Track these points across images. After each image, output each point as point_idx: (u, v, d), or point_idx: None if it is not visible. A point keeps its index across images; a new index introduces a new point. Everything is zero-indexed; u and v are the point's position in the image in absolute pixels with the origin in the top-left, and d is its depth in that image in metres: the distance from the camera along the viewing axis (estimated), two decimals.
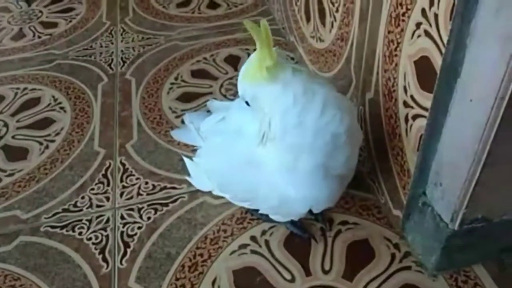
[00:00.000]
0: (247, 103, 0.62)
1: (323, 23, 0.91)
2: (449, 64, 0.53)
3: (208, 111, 0.95)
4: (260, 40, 0.55)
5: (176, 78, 1.14)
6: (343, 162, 0.63)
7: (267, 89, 0.58)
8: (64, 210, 0.84)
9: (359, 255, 0.74)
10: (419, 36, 0.57)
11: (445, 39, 0.52)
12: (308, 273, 0.72)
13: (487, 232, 0.65)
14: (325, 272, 0.72)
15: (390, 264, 0.72)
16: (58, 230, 0.80)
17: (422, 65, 0.58)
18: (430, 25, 0.54)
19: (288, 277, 0.71)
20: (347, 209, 0.81)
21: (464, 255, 0.69)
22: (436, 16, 0.52)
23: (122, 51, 1.25)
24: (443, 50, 0.53)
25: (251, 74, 0.58)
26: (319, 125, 0.58)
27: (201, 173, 0.80)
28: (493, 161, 0.54)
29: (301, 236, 0.76)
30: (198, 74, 1.15)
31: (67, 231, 0.80)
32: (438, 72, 0.54)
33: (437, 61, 0.54)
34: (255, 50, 0.59)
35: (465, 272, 0.71)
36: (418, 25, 0.56)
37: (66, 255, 0.76)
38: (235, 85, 1.08)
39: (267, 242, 0.76)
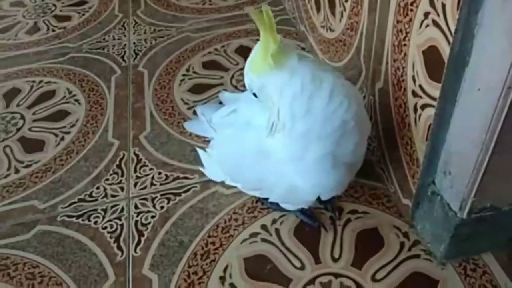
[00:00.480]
0: (254, 94, 0.63)
1: (333, 13, 0.91)
2: (457, 54, 0.53)
3: (220, 102, 0.96)
4: (262, 25, 0.55)
5: (187, 70, 1.15)
6: (351, 150, 0.63)
7: (274, 78, 0.58)
8: (80, 200, 0.86)
9: (368, 244, 0.75)
10: (427, 25, 0.57)
11: (453, 29, 0.52)
12: (317, 261, 0.73)
13: (495, 221, 0.65)
14: (335, 260, 0.73)
15: (399, 253, 0.73)
16: (74, 219, 0.83)
17: (430, 55, 0.58)
18: (438, 15, 0.54)
19: (298, 264, 0.73)
20: (356, 198, 0.81)
21: (473, 243, 0.69)
22: (443, 5, 0.52)
23: (134, 43, 1.27)
24: (451, 40, 0.53)
25: (257, 64, 0.59)
26: (327, 112, 0.58)
27: (214, 164, 0.81)
28: (501, 150, 0.54)
29: (311, 224, 0.77)
30: (209, 65, 1.16)
31: (83, 220, 0.83)
32: (446, 61, 0.54)
33: (445, 50, 0.54)
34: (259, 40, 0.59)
35: (474, 260, 0.71)
36: (426, 14, 0.56)
37: (82, 244, 0.79)
38: None
39: (277, 231, 0.77)
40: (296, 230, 0.77)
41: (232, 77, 1.11)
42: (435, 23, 0.55)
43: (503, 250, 0.71)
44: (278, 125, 0.61)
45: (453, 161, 0.62)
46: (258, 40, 0.59)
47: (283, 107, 0.60)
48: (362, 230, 0.77)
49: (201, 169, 0.86)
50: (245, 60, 1.15)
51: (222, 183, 0.84)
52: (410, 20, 0.60)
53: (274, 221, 0.79)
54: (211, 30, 1.29)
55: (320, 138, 0.60)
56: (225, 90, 1.05)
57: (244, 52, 1.18)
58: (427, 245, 0.73)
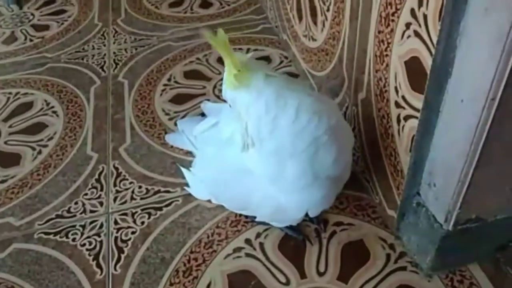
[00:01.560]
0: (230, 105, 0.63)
1: (315, 22, 0.90)
2: (439, 65, 0.52)
3: (202, 114, 0.95)
4: (219, 50, 0.55)
5: (169, 80, 1.13)
6: (330, 163, 0.62)
7: (241, 96, 0.58)
8: (58, 216, 0.83)
9: (354, 256, 0.73)
10: (408, 36, 0.56)
11: (434, 40, 0.51)
12: (303, 275, 0.71)
13: (481, 232, 0.65)
14: (320, 274, 0.71)
15: (385, 265, 0.72)
16: (51, 236, 0.80)
17: (413, 66, 0.57)
18: (420, 26, 0.53)
19: (283, 280, 0.71)
20: (341, 209, 0.80)
21: (459, 255, 0.68)
22: (425, 16, 0.52)
23: (114, 53, 1.24)
24: (433, 51, 0.52)
25: (225, 80, 0.59)
26: (295, 130, 0.58)
27: (198, 183, 0.80)
28: (485, 162, 0.53)
29: (296, 238, 0.76)
30: (191, 75, 1.14)
31: (60, 237, 0.80)
32: (428, 72, 0.54)
33: (427, 61, 0.53)
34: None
35: (460, 271, 0.70)
36: (408, 25, 0.55)
37: (60, 262, 0.76)
38: None
39: (261, 245, 0.76)
40: (281, 243, 0.76)
41: (215, 86, 1.09)
42: (417, 34, 0.54)
43: (489, 260, 0.70)
44: (248, 140, 0.61)
45: (438, 173, 0.61)
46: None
47: (250, 125, 0.60)
48: (348, 242, 0.75)
49: (186, 188, 0.83)
50: None
51: None
52: (392, 30, 0.60)
53: (258, 235, 0.77)
54: (193, 39, 1.27)
55: (293, 155, 0.60)
56: (208, 100, 1.04)
57: (200, 32, 1.17)
58: (413, 257, 0.72)
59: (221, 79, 1.09)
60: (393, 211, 0.74)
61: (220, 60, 1.18)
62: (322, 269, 0.72)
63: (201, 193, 0.80)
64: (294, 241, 0.76)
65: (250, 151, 0.63)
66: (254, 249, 0.75)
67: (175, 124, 0.99)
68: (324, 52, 0.88)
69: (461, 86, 0.52)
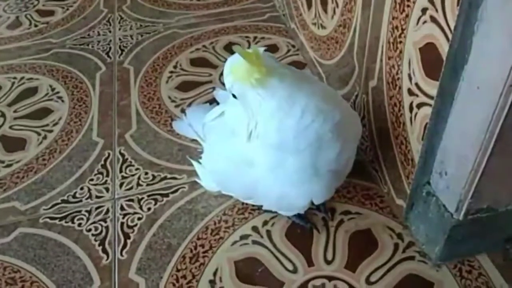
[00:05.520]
0: (234, 95, 0.63)
1: (325, 10, 0.89)
2: (456, 51, 0.51)
3: (209, 102, 0.94)
4: (250, 63, 0.56)
5: (175, 67, 1.12)
6: (333, 159, 0.63)
7: (254, 92, 0.59)
8: (63, 201, 0.83)
9: (361, 245, 0.73)
10: (424, 22, 0.55)
11: (452, 25, 0.50)
12: (310, 263, 0.71)
13: (492, 222, 0.64)
14: (328, 262, 0.71)
15: (393, 254, 0.71)
16: (57, 221, 0.80)
17: (428, 52, 0.56)
18: (437, 11, 0.52)
19: (290, 267, 0.71)
20: (349, 198, 0.80)
21: (468, 245, 0.68)
22: (443, 1, 0.51)
23: (120, 39, 1.23)
24: (450, 37, 0.51)
25: (239, 76, 0.58)
26: (299, 127, 0.60)
27: (208, 174, 0.79)
28: (500, 151, 0.53)
29: (303, 226, 0.75)
30: (197, 62, 1.13)
31: (66, 222, 0.79)
32: (444, 59, 0.53)
33: (444, 47, 0.53)
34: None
35: (469, 261, 0.70)
36: (424, 10, 0.55)
37: (66, 247, 0.76)
38: None
39: (268, 233, 0.75)
40: (288, 231, 0.75)
41: (221, 74, 1.08)
42: (433, 19, 0.53)
43: (498, 251, 0.70)
44: (254, 133, 0.63)
45: (450, 161, 0.61)
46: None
47: (260, 120, 0.61)
48: (355, 231, 0.75)
49: (197, 180, 0.83)
50: None
51: None
52: (407, 16, 0.59)
53: (265, 223, 0.77)
54: (199, 26, 1.26)
55: (296, 151, 0.61)
56: (214, 88, 1.03)
57: (233, 49, 1.16)
58: (422, 246, 0.72)
59: None
60: (401, 201, 0.74)
61: (226, 48, 1.17)
62: (329, 257, 0.72)
63: (211, 185, 0.80)
64: (301, 229, 0.75)
65: (254, 143, 0.64)
66: (261, 236, 0.75)
67: (182, 111, 0.98)
68: (334, 40, 0.87)
69: (477, 73, 0.51)
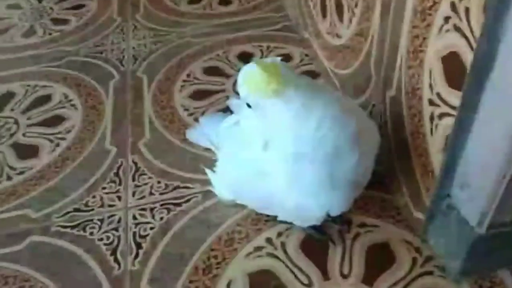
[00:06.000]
0: (248, 105, 0.62)
1: (341, 19, 0.88)
2: (480, 60, 0.50)
3: (223, 110, 0.93)
4: (268, 73, 0.56)
5: (188, 75, 1.12)
6: (351, 169, 0.62)
7: (270, 102, 0.58)
8: (75, 210, 0.82)
9: (379, 259, 0.71)
10: (447, 30, 0.54)
11: (477, 34, 0.49)
12: (326, 277, 0.69)
13: None
14: (344, 277, 0.69)
15: (411, 269, 0.69)
16: (69, 230, 0.79)
17: (451, 61, 0.55)
18: (460, 19, 0.51)
19: (306, 281, 0.69)
20: (365, 210, 0.78)
21: (490, 259, 0.66)
22: (467, 9, 0.50)
23: (133, 48, 1.23)
24: (474, 45, 0.50)
25: (256, 87, 0.58)
26: (316, 137, 0.59)
27: (222, 184, 0.79)
28: None
29: (318, 238, 0.74)
30: (210, 71, 1.13)
31: (78, 231, 0.78)
32: (468, 68, 0.51)
33: (468, 56, 0.51)
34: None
35: (490, 277, 0.68)
36: (447, 19, 0.53)
37: (77, 256, 0.75)
38: None
39: (283, 245, 0.74)
40: (303, 243, 0.74)
41: (235, 83, 1.08)
42: (457, 28, 0.52)
43: None
44: (270, 143, 0.62)
45: (473, 174, 0.59)
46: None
47: (276, 130, 0.61)
48: (372, 244, 0.73)
49: (211, 188, 0.82)
50: None
51: None
52: (428, 25, 0.57)
53: (279, 234, 0.75)
54: (212, 35, 1.26)
55: (313, 161, 0.61)
56: (228, 97, 1.02)
57: (246, 58, 1.15)
58: (441, 260, 0.70)
59: None
60: (420, 213, 0.72)
61: (239, 57, 1.16)
62: (345, 271, 0.70)
63: (225, 193, 0.78)
64: (317, 241, 0.74)
65: (270, 153, 0.63)
66: (276, 248, 0.73)
67: (195, 120, 0.98)
68: (350, 49, 0.86)
69: (503, 81, 0.49)
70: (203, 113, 0.99)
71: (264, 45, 1.19)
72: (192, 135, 0.93)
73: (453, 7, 0.52)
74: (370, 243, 0.73)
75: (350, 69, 0.88)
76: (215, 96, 1.05)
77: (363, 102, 0.84)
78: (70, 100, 1.07)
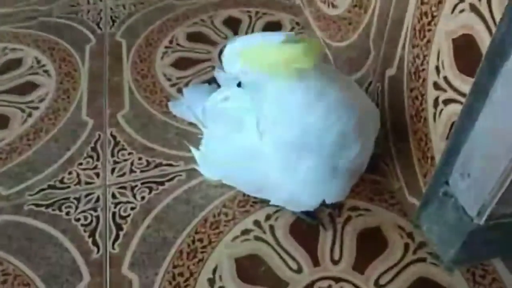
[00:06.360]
0: (239, 84, 0.59)
1: None
2: (498, 45, 0.46)
3: (208, 81, 0.88)
4: (305, 51, 0.50)
5: (170, 42, 1.05)
6: (354, 157, 0.59)
7: (273, 83, 0.53)
8: (50, 187, 0.77)
9: (370, 244, 0.69)
10: (462, 10, 0.49)
11: (497, 16, 0.44)
12: (316, 263, 0.67)
13: None
14: (335, 263, 0.67)
15: (403, 255, 0.67)
16: (43, 209, 0.74)
17: (463, 44, 0.50)
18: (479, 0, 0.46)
19: (295, 267, 0.66)
20: (357, 193, 0.75)
21: (485, 249, 0.64)
22: None
23: (111, 9, 1.14)
24: (493, 28, 0.45)
25: (268, 64, 0.52)
26: (323, 126, 0.55)
27: (209, 163, 0.74)
28: None
29: (309, 222, 0.71)
30: (195, 37, 1.06)
31: (53, 210, 0.73)
32: (483, 53, 0.47)
33: (484, 40, 0.47)
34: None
35: (483, 266, 0.66)
36: None
37: (53, 237, 0.70)
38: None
39: (272, 228, 0.71)
40: (292, 227, 0.71)
41: (221, 52, 1.01)
42: (474, 8, 0.47)
43: None
44: (266, 128, 0.58)
45: (475, 163, 0.56)
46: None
47: (277, 115, 0.56)
48: (364, 229, 0.71)
49: (195, 167, 0.77)
50: (235, 33, 1.06)
51: None
52: (440, 2, 0.53)
53: (268, 217, 0.72)
54: None
55: (314, 151, 0.57)
56: (213, 68, 0.96)
57: (233, 24, 1.08)
58: (434, 247, 0.68)
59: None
60: (414, 199, 0.69)
61: (226, 23, 1.09)
62: (336, 257, 0.67)
63: (212, 174, 0.74)
64: (307, 225, 0.71)
65: (267, 137, 0.59)
66: (264, 232, 0.70)
67: (178, 91, 0.92)
68: (347, 21, 0.81)
69: None
70: (187, 84, 0.93)
71: (252, 10, 1.12)
72: (175, 108, 0.87)
73: None
74: (361, 227, 0.71)
75: (346, 42, 0.83)
76: (199, 65, 0.98)
77: (358, 79, 0.79)
78: (43, 66, 0.99)
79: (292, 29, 1.07)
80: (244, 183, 0.70)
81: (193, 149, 0.76)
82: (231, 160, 0.65)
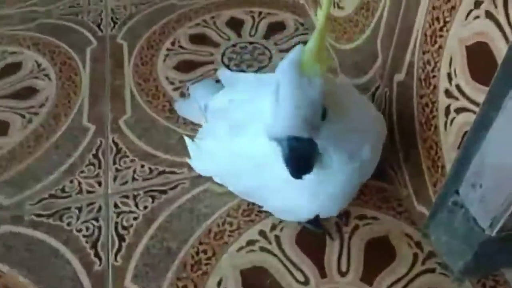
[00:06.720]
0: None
1: None
2: None
3: (216, 80, 0.85)
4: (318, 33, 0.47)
5: (172, 43, 1.03)
6: (365, 175, 0.59)
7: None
8: (51, 196, 0.75)
9: (378, 255, 0.67)
10: (476, 17, 0.47)
11: None
12: (323, 274, 0.65)
13: None
14: (342, 274, 0.65)
15: (412, 266, 0.66)
16: (44, 219, 0.72)
17: (478, 52, 0.48)
18: (496, 6, 0.44)
19: (302, 279, 0.65)
20: (364, 201, 0.73)
21: (495, 260, 0.63)
22: None
23: (112, 9, 1.12)
24: (510, 36, 0.43)
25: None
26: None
27: (202, 157, 0.71)
28: None
29: (315, 231, 0.69)
30: (197, 39, 1.04)
31: (54, 220, 0.72)
32: (499, 61, 0.45)
33: (500, 49, 0.45)
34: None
35: (493, 276, 0.64)
36: (478, 4, 0.47)
37: (54, 249, 0.69)
38: (238, 54, 0.98)
39: (277, 238, 0.69)
40: (299, 237, 0.69)
41: (223, 54, 0.99)
42: (490, 16, 0.45)
43: None
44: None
45: (487, 174, 0.54)
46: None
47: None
48: (371, 238, 0.69)
49: (187, 160, 0.75)
50: (238, 34, 1.04)
51: (213, 180, 0.74)
52: (453, 7, 0.50)
53: (273, 227, 0.70)
54: None
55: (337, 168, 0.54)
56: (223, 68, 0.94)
57: (236, 25, 1.06)
58: (443, 258, 0.66)
59: (231, 46, 1.00)
60: (423, 207, 0.67)
61: (228, 24, 1.07)
62: (344, 268, 0.66)
63: (203, 169, 0.72)
64: (313, 235, 0.69)
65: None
66: (270, 242, 0.68)
67: (181, 95, 0.90)
68: (353, 23, 0.79)
69: None
70: (193, 83, 0.91)
71: (255, 10, 1.10)
72: (181, 107, 0.85)
73: None
74: (369, 236, 0.69)
75: (352, 45, 0.81)
76: (202, 68, 0.96)
77: (365, 83, 0.77)
78: (43, 69, 0.97)
79: (296, 29, 1.05)
80: (235, 185, 0.67)
81: (187, 140, 0.73)
82: (227, 163, 0.63)
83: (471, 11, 0.48)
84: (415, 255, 0.67)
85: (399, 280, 0.64)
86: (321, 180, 0.53)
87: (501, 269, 0.65)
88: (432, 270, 0.65)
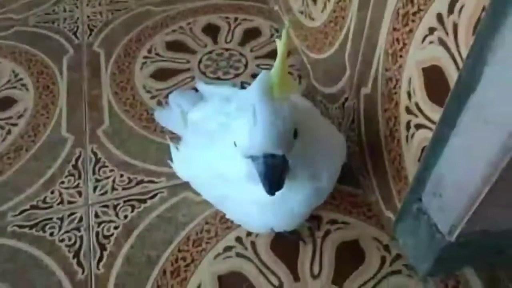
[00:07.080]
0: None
1: (314, 1, 0.83)
2: (465, 80, 0.47)
3: (195, 89, 0.87)
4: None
5: (149, 51, 1.04)
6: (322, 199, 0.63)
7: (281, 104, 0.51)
8: (32, 207, 0.77)
9: (349, 258, 0.71)
10: (431, 42, 0.51)
11: (463, 53, 0.46)
12: (296, 278, 0.69)
13: (483, 242, 0.63)
14: (314, 277, 0.69)
15: (380, 268, 0.70)
16: (27, 230, 0.74)
17: (432, 75, 0.52)
18: (447, 34, 0.48)
19: (276, 282, 0.68)
20: (335, 206, 0.77)
21: (457, 262, 0.67)
22: (455, 25, 0.46)
23: (88, 16, 1.13)
24: (459, 62, 0.47)
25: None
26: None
27: (182, 162, 0.74)
28: (504, 186, 0.50)
29: (288, 237, 0.73)
30: (174, 46, 1.06)
31: (37, 231, 0.74)
32: (451, 86, 0.49)
33: (451, 74, 0.49)
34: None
35: (455, 276, 0.69)
36: (432, 30, 0.50)
37: (38, 259, 0.71)
38: (215, 61, 1.01)
39: (253, 244, 0.72)
40: (273, 243, 0.73)
41: (200, 61, 1.02)
42: (442, 42, 0.49)
43: (486, 265, 0.69)
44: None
45: (446, 185, 0.58)
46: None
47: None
48: (342, 242, 0.73)
49: (169, 162, 0.77)
50: (214, 41, 1.06)
51: (191, 189, 0.77)
52: (410, 31, 0.54)
53: (249, 233, 0.73)
54: (175, 3, 1.17)
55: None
56: (192, 78, 0.96)
57: (212, 31, 1.09)
58: (409, 260, 0.70)
59: (208, 53, 1.03)
60: (390, 213, 0.71)
61: (205, 30, 1.09)
62: (316, 271, 0.70)
63: (182, 173, 0.74)
64: (287, 240, 0.73)
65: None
66: (246, 248, 0.72)
67: (158, 104, 0.92)
68: (323, 35, 0.82)
69: (486, 106, 0.47)
70: (166, 97, 0.93)
71: (231, 16, 1.12)
72: (161, 116, 0.87)
73: (440, 19, 0.48)
74: (340, 240, 0.73)
75: (323, 55, 0.84)
76: (179, 75, 0.99)
77: (335, 93, 0.81)
78: (20, 79, 0.98)
79: (271, 36, 1.07)
80: (206, 194, 0.70)
81: (171, 146, 0.75)
82: (197, 172, 0.66)
83: (426, 36, 0.51)
84: (383, 258, 0.71)
85: (367, 281, 0.68)
86: (282, 196, 0.54)
87: (462, 269, 0.69)
88: (399, 272, 0.70)
